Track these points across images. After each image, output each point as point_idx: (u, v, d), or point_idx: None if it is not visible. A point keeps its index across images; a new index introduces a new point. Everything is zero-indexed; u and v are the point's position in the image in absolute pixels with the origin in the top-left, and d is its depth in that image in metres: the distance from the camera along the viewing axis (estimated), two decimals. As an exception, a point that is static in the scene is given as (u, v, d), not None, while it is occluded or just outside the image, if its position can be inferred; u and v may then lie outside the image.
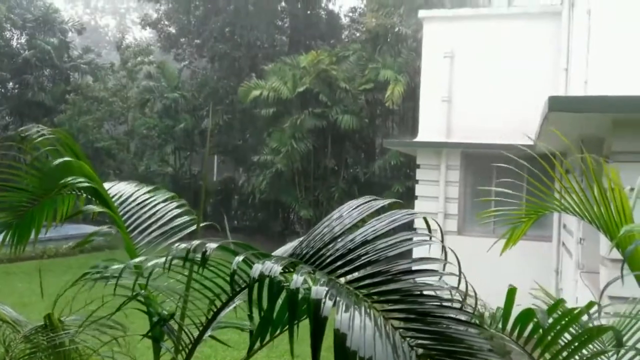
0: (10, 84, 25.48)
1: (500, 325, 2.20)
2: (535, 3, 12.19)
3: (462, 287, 2.58)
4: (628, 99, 5.45)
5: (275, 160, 16.97)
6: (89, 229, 11.81)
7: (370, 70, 16.60)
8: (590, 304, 2.04)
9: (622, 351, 2.42)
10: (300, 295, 1.55)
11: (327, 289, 1.59)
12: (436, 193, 11.57)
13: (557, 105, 5.71)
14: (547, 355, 2.16)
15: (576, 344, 2.12)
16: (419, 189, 11.87)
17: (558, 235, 10.40)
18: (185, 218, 3.20)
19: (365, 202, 2.07)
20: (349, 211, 2.04)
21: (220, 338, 2.71)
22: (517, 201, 3.15)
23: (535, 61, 10.73)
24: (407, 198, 15.28)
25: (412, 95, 15.37)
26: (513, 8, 11.68)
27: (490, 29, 11.24)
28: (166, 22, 24.94)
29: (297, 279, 1.56)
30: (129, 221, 3.01)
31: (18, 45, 25.49)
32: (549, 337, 2.07)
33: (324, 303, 1.53)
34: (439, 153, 11.51)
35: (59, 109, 22.88)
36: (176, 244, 1.92)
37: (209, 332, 2.53)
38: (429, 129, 11.74)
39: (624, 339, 2.53)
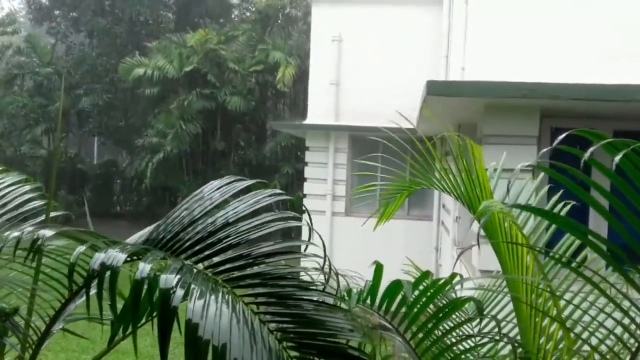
0: None
1: (369, 301, 2.19)
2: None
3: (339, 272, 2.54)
4: (498, 85, 5.76)
5: (162, 143, 16.25)
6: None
7: (260, 51, 16.35)
8: (453, 275, 2.07)
9: (486, 321, 2.52)
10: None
11: (179, 276, 1.44)
12: (325, 175, 11.70)
13: (434, 89, 5.91)
14: (414, 328, 2.18)
15: (441, 315, 2.16)
16: (308, 171, 11.94)
17: (438, 214, 10.97)
18: (38, 203, 2.86)
19: (229, 183, 1.93)
20: (210, 192, 1.89)
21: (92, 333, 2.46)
22: (394, 179, 3.19)
23: (419, 47, 11.13)
24: (298, 180, 15.36)
25: (303, 77, 15.36)
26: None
27: (376, 14, 11.46)
28: (37, -9, 22.79)
29: (143, 268, 1.39)
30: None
31: None
32: (415, 310, 2.08)
33: (174, 292, 1.38)
34: (327, 136, 11.63)
35: None
36: (11, 233, 1.66)
37: (58, 326, 2.28)
38: (317, 111, 11.80)
39: (488, 309, 2.64)
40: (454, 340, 2.31)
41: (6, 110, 19.82)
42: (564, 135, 1.65)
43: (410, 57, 11.15)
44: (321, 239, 1.84)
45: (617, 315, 1.80)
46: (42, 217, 2.87)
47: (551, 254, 1.97)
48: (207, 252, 1.70)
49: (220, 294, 1.52)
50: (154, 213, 18.84)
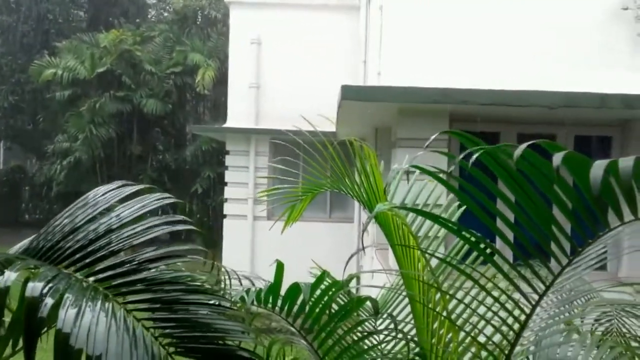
0: None
1: (270, 303, 2.16)
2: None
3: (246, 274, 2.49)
4: (410, 90, 5.94)
5: (73, 148, 15.45)
6: None
7: (178, 52, 15.96)
8: (351, 276, 2.09)
9: (384, 318, 2.56)
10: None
11: (50, 285, 1.35)
12: (246, 179, 11.58)
13: (349, 94, 6.00)
14: (317, 328, 2.18)
15: (341, 314, 2.17)
16: (228, 175, 11.77)
17: (359, 216, 11.14)
18: None
19: (116, 188, 1.84)
20: (94, 199, 1.79)
21: None
22: (305, 181, 3.19)
23: (338, 52, 11.28)
24: (220, 184, 15.09)
25: (223, 80, 15.13)
26: (316, -1, 12.11)
27: (295, 18, 11.51)
28: None
29: (7, 277, 1.29)
30: None
31: None
32: (316, 311, 2.08)
33: (43, 301, 1.30)
34: (248, 139, 11.52)
35: None
36: None
37: None
38: (238, 115, 11.67)
39: (391, 309, 2.69)
40: (355, 339, 2.33)
41: None
42: (436, 135, 1.71)
43: (330, 62, 11.29)
44: (206, 244, 1.80)
45: (504, 314, 1.89)
46: None
47: (436, 254, 2.04)
48: (87, 260, 1.61)
49: (99, 302, 1.44)
50: (66, 221, 17.85)
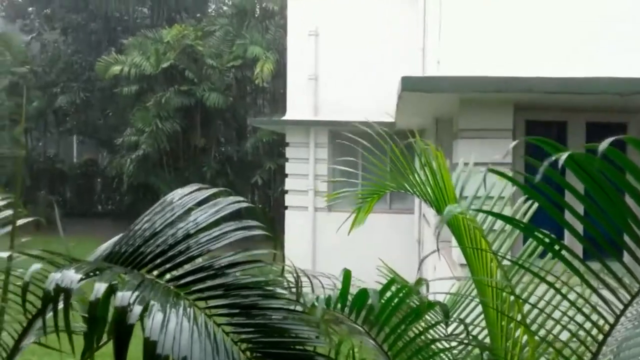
0: None
1: (339, 307, 2.19)
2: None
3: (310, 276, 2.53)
4: (472, 79, 5.79)
5: (141, 141, 16.09)
6: None
7: (237, 46, 16.23)
8: (419, 281, 2.08)
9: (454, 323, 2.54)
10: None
11: (137, 293, 1.43)
12: (306, 171, 11.68)
13: (409, 85, 5.92)
14: (387, 330, 2.19)
15: (410, 319, 2.17)
16: (289, 167, 11.92)
17: (419, 207, 11.02)
18: (7, 213, 2.81)
19: (191, 192, 1.91)
20: (172, 203, 1.87)
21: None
22: (368, 183, 3.19)
23: (396, 40, 11.12)
24: (280, 175, 15.32)
25: (282, 72, 15.30)
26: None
27: (352, 8, 11.44)
28: (9, -12, 22.35)
29: (98, 288, 1.37)
30: None
31: None
32: (384, 316, 2.09)
33: (130, 310, 1.37)
34: (307, 131, 11.60)
35: None
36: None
37: (28, 341, 2.25)
38: (297, 107, 11.77)
39: (459, 311, 2.65)
40: (427, 342, 2.33)
41: (-19, 110, 19.46)
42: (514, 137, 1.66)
43: (388, 50, 11.15)
44: (282, 247, 1.84)
45: (580, 318, 1.83)
46: (6, 229, 2.82)
47: (509, 257, 1.99)
48: (168, 265, 1.69)
49: (182, 308, 1.51)
50: (135, 211, 18.63)
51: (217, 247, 1.69)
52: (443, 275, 7.29)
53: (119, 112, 18.73)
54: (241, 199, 1.82)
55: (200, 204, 1.88)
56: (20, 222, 2.79)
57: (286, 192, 11.97)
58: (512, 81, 5.70)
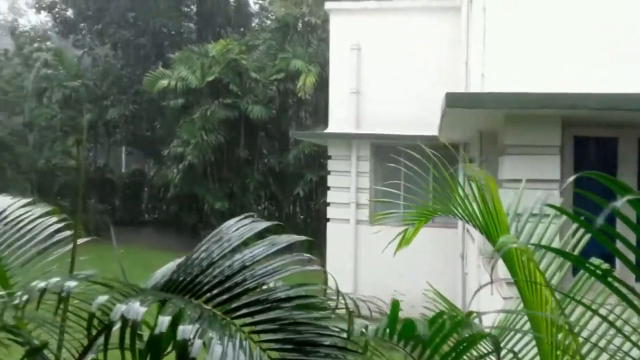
0: None
1: (387, 336, 2.22)
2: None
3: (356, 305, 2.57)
4: (517, 96, 5.73)
5: (186, 152, 16.50)
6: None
7: (280, 60, 16.48)
8: (470, 313, 2.09)
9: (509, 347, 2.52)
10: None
11: (197, 326, 1.50)
12: (348, 183, 11.73)
13: (453, 101, 5.90)
14: (437, 358, 2.21)
15: (460, 348, 2.18)
16: (331, 180, 11.98)
17: (463, 222, 10.87)
18: (67, 233, 2.96)
19: (246, 224, 1.99)
20: (228, 234, 1.95)
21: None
22: (414, 205, 3.21)
23: (438, 54, 11.08)
24: (322, 187, 15.42)
25: (324, 85, 15.44)
26: (415, 2, 11.97)
27: (394, 22, 11.47)
28: (63, 6, 23.37)
29: (162, 322, 1.45)
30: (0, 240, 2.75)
31: None
32: (432, 346, 2.10)
33: (192, 344, 1.44)
34: (349, 144, 11.65)
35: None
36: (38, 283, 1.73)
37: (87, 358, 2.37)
38: (338, 120, 11.85)
39: (508, 338, 2.64)
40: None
41: (37, 122, 20.37)
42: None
43: (430, 64, 11.12)
44: (334, 280, 1.88)
45: (636, 352, 1.80)
46: (66, 248, 2.97)
47: (561, 291, 1.98)
48: (224, 297, 1.76)
49: (238, 341, 1.57)
50: (180, 221, 19.14)
51: (271, 280, 1.75)
52: (488, 291, 7.17)
53: (165, 124, 19.28)
54: (295, 236, 1.88)
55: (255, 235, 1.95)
56: (80, 241, 2.95)
57: (328, 204, 12.03)
58: (558, 98, 5.60)
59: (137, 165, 23.12)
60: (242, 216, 2.05)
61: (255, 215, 2.15)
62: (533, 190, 3.33)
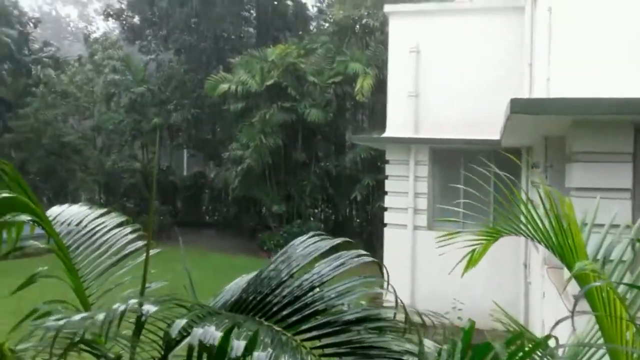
0: (-33, 79, 24.59)
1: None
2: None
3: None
4: (585, 101, 5.51)
5: (246, 155, 16.83)
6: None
7: (338, 63, 16.53)
8: (546, 338, 2.03)
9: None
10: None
11: (270, 350, 1.54)
12: (406, 188, 11.59)
13: (518, 107, 5.75)
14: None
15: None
16: (388, 185, 11.89)
17: (525, 229, 10.55)
18: (139, 244, 3.10)
19: (314, 242, 2.02)
20: (295, 252, 1.98)
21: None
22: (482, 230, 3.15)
23: (499, 56, 10.80)
24: (379, 191, 15.35)
25: (381, 87, 15.36)
26: (476, 3, 11.71)
27: (454, 24, 11.26)
28: (130, 13, 24.38)
29: (237, 346, 1.50)
30: (77, 251, 2.90)
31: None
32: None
33: (266, 368, 1.48)
34: (407, 148, 11.53)
35: (20, 103, 22.18)
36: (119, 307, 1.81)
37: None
38: (396, 124, 11.74)
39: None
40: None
41: (104, 126, 21.34)
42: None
43: (491, 66, 10.84)
44: (403, 305, 1.87)
45: None
46: (139, 260, 3.10)
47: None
48: (294, 318, 1.79)
49: (309, 365, 1.60)
50: (239, 223, 19.54)
51: (340, 302, 1.77)
52: (552, 303, 6.93)
53: (226, 128, 19.75)
54: (363, 252, 1.89)
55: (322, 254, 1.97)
56: (152, 252, 3.06)
57: (385, 209, 11.95)
58: (631, 103, 5.35)
59: (199, 167, 23.79)
60: (309, 234, 2.08)
61: (321, 228, 2.18)
62: (604, 200, 3.20)
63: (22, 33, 24.16)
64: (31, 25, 25.39)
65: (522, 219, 2.91)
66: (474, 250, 2.82)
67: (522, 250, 10.61)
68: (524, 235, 2.59)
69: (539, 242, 2.47)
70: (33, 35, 25.60)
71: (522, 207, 2.86)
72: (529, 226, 2.69)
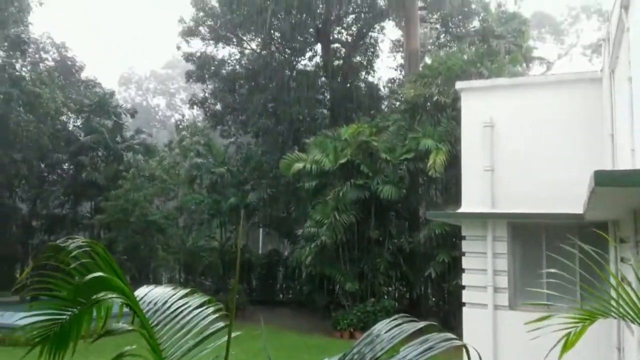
0: (66, 165, 26.88)
1: None
2: (572, 70, 12.08)
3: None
4: (678, 173, 5.23)
5: (320, 233, 16.96)
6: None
7: (410, 139, 16.69)
8: None
9: None
10: None
11: None
12: (484, 265, 11.16)
13: (603, 179, 5.52)
14: None
15: None
16: (465, 262, 11.51)
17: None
18: (220, 324, 3.17)
19: (397, 325, 2.00)
20: (380, 335, 1.97)
21: None
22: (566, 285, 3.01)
23: (576, 127, 10.54)
24: (455, 268, 14.87)
25: (454, 163, 15.28)
26: (549, 76, 11.64)
27: (528, 97, 11.19)
28: (212, 101, 26.13)
29: None
30: (162, 331, 3.01)
31: (74, 128, 27.07)
32: None
33: None
34: (484, 224, 11.21)
35: (111, 186, 23.83)
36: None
37: None
38: (472, 199, 11.52)
39: None
40: None
41: (187, 206, 22.38)
42: None
43: (568, 138, 10.57)
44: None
45: None
46: (221, 341, 3.16)
47: None
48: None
49: None
50: (313, 301, 19.39)
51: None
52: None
53: (300, 206, 20.15)
54: (451, 336, 1.85)
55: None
56: (234, 335, 3.12)
57: (463, 287, 11.51)
58: None
59: (273, 245, 24.19)
60: (394, 317, 2.07)
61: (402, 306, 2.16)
62: None
63: (116, 123, 26.40)
64: (126, 115, 27.75)
65: (614, 297, 2.76)
66: (569, 334, 2.66)
67: (614, 332, 9.77)
68: (616, 317, 2.44)
69: (633, 323, 2.32)
70: (126, 124, 27.90)
71: (614, 285, 2.71)
72: (623, 306, 2.54)
